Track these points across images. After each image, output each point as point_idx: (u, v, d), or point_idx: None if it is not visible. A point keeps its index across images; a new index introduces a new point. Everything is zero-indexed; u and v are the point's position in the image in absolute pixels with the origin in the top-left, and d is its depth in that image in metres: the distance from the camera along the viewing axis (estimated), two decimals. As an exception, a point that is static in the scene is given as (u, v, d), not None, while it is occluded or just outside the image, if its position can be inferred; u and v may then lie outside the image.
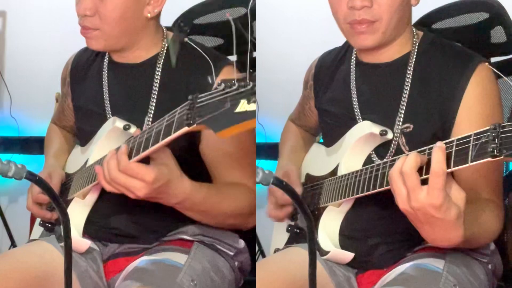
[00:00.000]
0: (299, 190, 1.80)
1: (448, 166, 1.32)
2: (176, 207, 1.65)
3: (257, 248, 2.75)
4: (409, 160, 1.36)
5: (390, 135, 1.66)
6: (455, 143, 1.32)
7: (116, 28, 1.73)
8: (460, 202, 1.36)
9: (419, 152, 1.40)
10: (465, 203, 1.37)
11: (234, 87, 1.28)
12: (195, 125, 1.36)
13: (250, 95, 1.27)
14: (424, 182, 1.35)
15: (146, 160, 1.56)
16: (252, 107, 1.26)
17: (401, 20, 1.66)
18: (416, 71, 1.68)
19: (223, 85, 1.30)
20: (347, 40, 1.73)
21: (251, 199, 1.74)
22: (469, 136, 1.29)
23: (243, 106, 1.27)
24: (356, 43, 1.68)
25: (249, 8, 2.04)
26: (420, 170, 1.37)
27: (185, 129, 1.39)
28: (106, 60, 1.87)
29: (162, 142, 1.47)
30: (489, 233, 1.57)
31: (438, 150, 1.33)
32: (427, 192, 1.33)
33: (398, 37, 1.69)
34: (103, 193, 1.71)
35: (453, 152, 1.32)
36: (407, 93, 1.67)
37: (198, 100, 1.36)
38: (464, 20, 1.91)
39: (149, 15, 1.75)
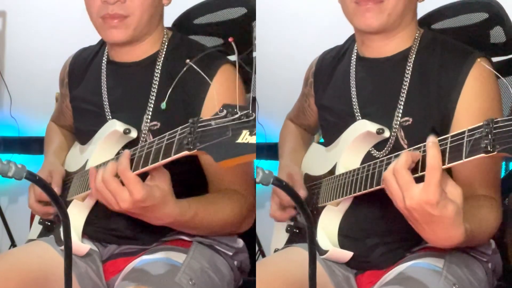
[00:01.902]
0: (303, 193, 1.79)
1: (443, 163, 1.32)
2: (156, 224, 1.63)
3: (257, 248, 2.75)
4: (400, 159, 1.37)
5: (387, 134, 1.66)
6: (449, 139, 1.33)
7: (146, 14, 1.74)
8: (457, 198, 1.35)
9: (415, 149, 1.40)
10: (463, 200, 1.37)
11: (236, 116, 1.28)
12: (195, 150, 1.35)
13: (252, 126, 1.27)
14: (420, 181, 1.35)
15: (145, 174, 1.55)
16: (253, 139, 1.26)
17: (407, 8, 1.66)
18: (416, 66, 1.68)
19: (225, 111, 1.30)
20: (352, 23, 1.71)
21: (244, 207, 1.74)
22: (463, 132, 1.30)
23: (245, 137, 1.26)
24: (362, 23, 1.66)
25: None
26: (415, 169, 1.37)
27: (185, 152, 1.39)
28: (104, 60, 1.87)
29: (161, 162, 1.46)
30: (488, 230, 1.58)
31: (432, 145, 1.33)
32: (422, 189, 1.33)
33: (402, 29, 1.69)
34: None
35: (448, 148, 1.32)
36: (407, 87, 1.68)
37: (199, 125, 1.35)
38: (464, 20, 1.91)
39: (166, 1, 1.79)
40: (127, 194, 1.50)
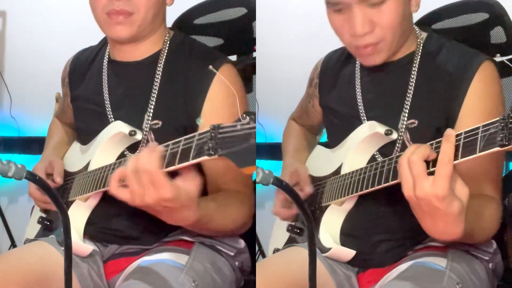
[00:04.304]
0: (309, 189, 1.79)
1: (456, 157, 1.33)
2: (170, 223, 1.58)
3: (257, 248, 2.75)
4: (419, 150, 1.38)
5: (394, 135, 1.66)
6: (463, 135, 1.33)
7: (151, 11, 1.74)
8: (463, 197, 1.37)
9: (431, 144, 1.41)
10: (468, 199, 1.38)
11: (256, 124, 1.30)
12: (216, 156, 1.35)
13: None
14: (432, 174, 1.36)
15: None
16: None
17: (403, 32, 1.66)
18: (421, 69, 1.69)
19: (247, 118, 1.30)
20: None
21: (249, 207, 1.74)
22: (478, 128, 1.31)
23: None
24: (363, 62, 1.72)
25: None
26: (428, 163, 1.38)
27: (204, 158, 1.37)
28: (106, 59, 1.87)
29: (178, 166, 1.43)
30: (488, 230, 1.59)
31: (447, 139, 1.34)
32: (433, 182, 1.34)
33: (402, 44, 1.69)
34: (104, 195, 1.71)
35: (461, 144, 1.33)
36: (412, 90, 1.68)
37: (220, 131, 1.34)
38: (464, 20, 1.91)
39: (170, 1, 1.80)
40: (153, 191, 1.44)
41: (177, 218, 1.51)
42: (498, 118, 1.27)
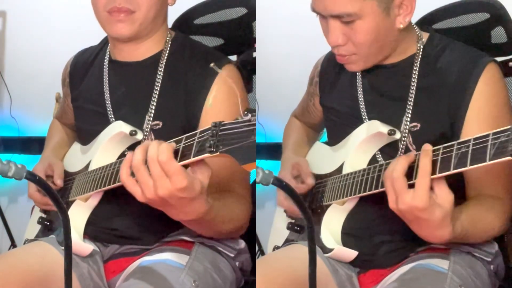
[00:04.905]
0: (311, 181, 1.79)
1: (465, 165, 1.35)
2: (177, 219, 1.56)
3: (257, 248, 2.75)
4: (397, 166, 1.45)
5: (398, 135, 1.66)
6: (472, 142, 1.35)
7: (152, 10, 1.74)
8: (446, 203, 1.42)
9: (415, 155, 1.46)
10: (468, 200, 1.43)
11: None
12: (218, 153, 1.34)
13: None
14: (413, 186, 1.43)
15: None
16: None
17: (382, 46, 1.66)
18: (423, 72, 1.68)
19: (249, 115, 1.31)
20: None
21: (248, 209, 1.73)
22: (487, 135, 1.32)
23: None
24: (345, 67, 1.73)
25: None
26: (411, 175, 1.44)
27: (206, 155, 1.37)
28: (106, 59, 1.87)
29: (194, 159, 1.40)
30: (489, 229, 1.60)
31: (424, 153, 1.42)
32: (413, 195, 1.41)
33: (399, 43, 1.69)
34: (104, 195, 1.71)
35: (470, 151, 1.35)
36: (413, 93, 1.68)
37: (222, 128, 1.34)
38: (465, 20, 1.91)
39: (171, 1, 1.80)
40: (167, 181, 1.41)
41: (188, 210, 1.48)
42: (509, 127, 1.28)
